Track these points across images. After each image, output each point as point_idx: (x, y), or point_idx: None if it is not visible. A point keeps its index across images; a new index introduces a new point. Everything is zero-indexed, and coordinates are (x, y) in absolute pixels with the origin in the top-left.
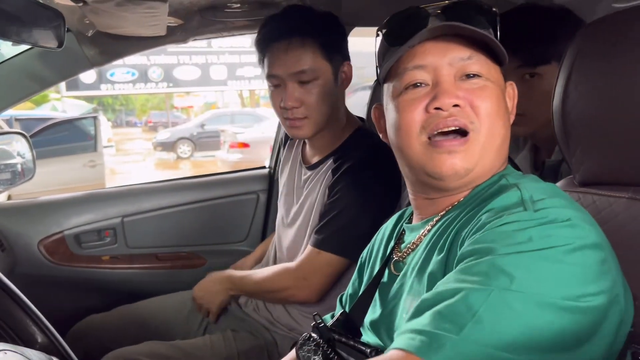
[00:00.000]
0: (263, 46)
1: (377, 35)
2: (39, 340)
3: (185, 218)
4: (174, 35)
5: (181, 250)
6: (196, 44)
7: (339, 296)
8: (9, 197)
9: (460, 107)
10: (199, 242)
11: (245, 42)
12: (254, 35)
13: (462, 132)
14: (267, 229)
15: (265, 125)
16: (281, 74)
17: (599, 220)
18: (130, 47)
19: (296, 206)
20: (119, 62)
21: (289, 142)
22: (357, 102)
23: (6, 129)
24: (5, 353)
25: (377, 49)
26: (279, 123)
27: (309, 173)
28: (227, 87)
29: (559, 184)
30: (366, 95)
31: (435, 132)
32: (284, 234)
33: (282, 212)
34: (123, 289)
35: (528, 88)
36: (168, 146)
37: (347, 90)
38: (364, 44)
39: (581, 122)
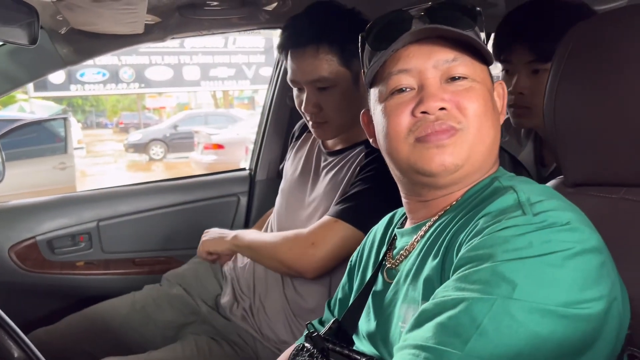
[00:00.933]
0: (283, 51)
1: (361, 39)
2: (16, 355)
3: (163, 221)
4: (152, 33)
5: (160, 254)
6: (168, 44)
7: (327, 301)
8: None
9: (447, 110)
10: (178, 246)
11: (218, 43)
12: (228, 35)
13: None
14: None
15: (240, 126)
16: (299, 80)
17: (594, 220)
18: (105, 46)
19: (313, 191)
20: (90, 62)
21: (304, 134)
22: None
23: None
24: None
25: (361, 54)
26: (259, 124)
27: (331, 159)
28: (200, 88)
29: (549, 184)
30: None
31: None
32: (291, 220)
33: (286, 198)
34: (99, 295)
35: (536, 82)
36: (140, 148)
37: None
38: None
39: (572, 123)
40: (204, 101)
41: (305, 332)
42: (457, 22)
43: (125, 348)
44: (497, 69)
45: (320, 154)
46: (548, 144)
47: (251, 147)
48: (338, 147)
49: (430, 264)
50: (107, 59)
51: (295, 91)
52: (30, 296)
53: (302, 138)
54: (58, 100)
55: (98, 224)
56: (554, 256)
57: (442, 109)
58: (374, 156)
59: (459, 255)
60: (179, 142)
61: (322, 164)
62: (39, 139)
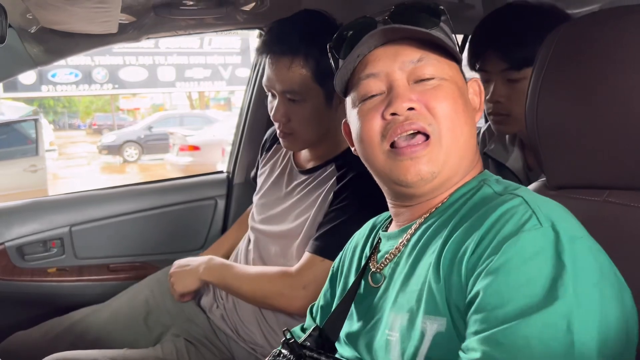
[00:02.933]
0: (261, 54)
1: (330, 51)
2: None
3: (138, 226)
4: (126, 33)
5: (135, 260)
6: (143, 44)
7: (309, 307)
8: None
9: (416, 110)
10: (154, 252)
11: (194, 43)
12: (204, 36)
13: (424, 134)
14: None
15: (216, 128)
16: (272, 87)
17: None
18: (78, 45)
19: (285, 209)
20: (62, 62)
21: (275, 145)
22: None
23: None
24: None
25: (332, 64)
26: (237, 126)
27: (303, 177)
28: (175, 89)
29: (531, 187)
30: None
31: (396, 139)
32: (263, 236)
33: (260, 213)
34: (72, 303)
35: (512, 89)
36: (114, 149)
37: None
38: None
39: (554, 125)
40: (179, 102)
41: (283, 339)
42: (421, 22)
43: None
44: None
45: (292, 172)
46: (530, 149)
47: (228, 148)
48: (310, 166)
49: (422, 270)
50: (79, 59)
51: (269, 96)
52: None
53: (272, 149)
54: (29, 101)
55: (71, 229)
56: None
57: (411, 109)
58: (345, 180)
59: (479, 273)
60: (153, 143)
61: (295, 182)
62: (9, 141)
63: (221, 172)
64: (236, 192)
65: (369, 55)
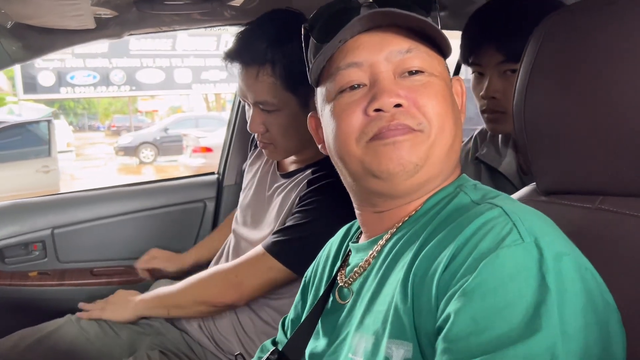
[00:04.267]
0: (230, 61)
1: (304, 32)
2: None
3: (124, 229)
4: (107, 29)
5: (119, 264)
6: (160, 47)
7: (282, 319)
8: None
9: (404, 108)
10: (139, 255)
11: (210, 45)
12: (220, 38)
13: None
14: None
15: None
16: (242, 95)
17: (567, 232)
18: (56, 42)
19: (264, 213)
20: (80, 64)
21: None
22: None
23: None
24: None
25: (305, 49)
26: (227, 128)
27: (282, 181)
28: (191, 91)
29: (521, 192)
30: None
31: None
32: (243, 240)
33: (243, 216)
34: (53, 308)
35: (509, 84)
36: (130, 151)
37: None
38: None
39: (544, 125)
40: (196, 104)
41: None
42: (409, 9)
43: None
44: (467, 72)
45: (275, 174)
46: (519, 149)
47: None
48: (290, 169)
49: (389, 288)
50: (97, 61)
51: (246, 105)
52: None
53: (255, 156)
54: (49, 102)
55: (53, 231)
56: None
57: (398, 105)
58: (316, 186)
59: (451, 295)
60: (169, 145)
61: (275, 185)
62: (23, 142)
63: (212, 173)
64: (226, 194)
65: (351, 42)
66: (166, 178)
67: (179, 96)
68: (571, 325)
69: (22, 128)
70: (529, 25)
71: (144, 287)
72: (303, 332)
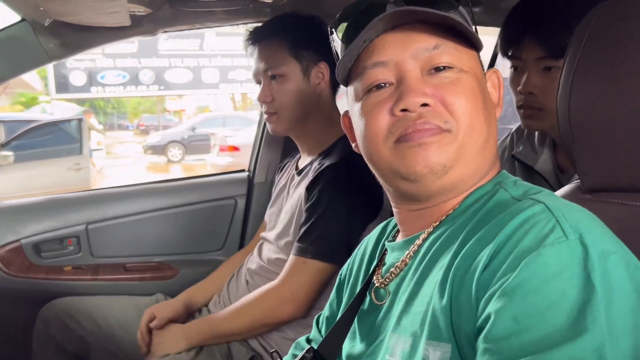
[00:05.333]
0: (247, 49)
1: (331, 32)
2: None
3: (156, 225)
4: (141, 26)
5: (151, 260)
6: (188, 47)
7: (316, 317)
8: None
9: (431, 107)
10: (170, 251)
11: (237, 45)
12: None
13: None
14: (245, 236)
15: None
16: (256, 72)
17: (614, 230)
18: (92, 39)
19: (280, 212)
20: (110, 64)
21: (292, 154)
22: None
23: None
24: None
25: (333, 49)
26: (258, 126)
27: (297, 178)
28: (219, 90)
29: (563, 190)
30: None
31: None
32: (265, 241)
33: (270, 220)
34: None
35: (549, 80)
36: (159, 149)
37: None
38: None
39: (589, 121)
40: (223, 104)
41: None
42: (437, 4)
43: (117, 345)
44: (506, 66)
45: (293, 176)
46: (563, 147)
47: None
48: (302, 166)
49: (427, 288)
50: (127, 61)
51: (258, 88)
52: (14, 302)
53: (285, 167)
54: (80, 102)
55: (87, 227)
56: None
57: (424, 104)
58: (316, 174)
59: (492, 293)
60: (196, 144)
61: (291, 184)
62: (55, 140)
63: (242, 171)
64: (257, 191)
65: (376, 41)
66: (197, 175)
67: (206, 96)
68: (619, 326)
69: (54, 126)
70: (573, 20)
71: (170, 285)
72: (338, 332)
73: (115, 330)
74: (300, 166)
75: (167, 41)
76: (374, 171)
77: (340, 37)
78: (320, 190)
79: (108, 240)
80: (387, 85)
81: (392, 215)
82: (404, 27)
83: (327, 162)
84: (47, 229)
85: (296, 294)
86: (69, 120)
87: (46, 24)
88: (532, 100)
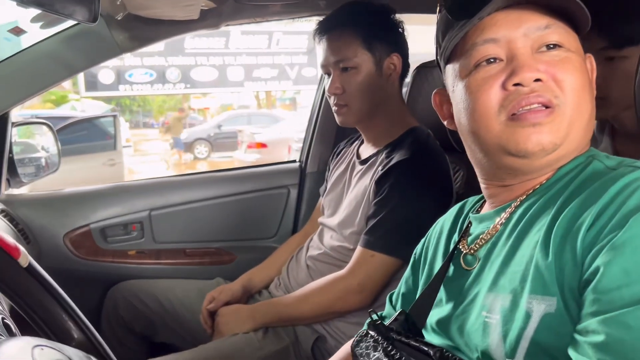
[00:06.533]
0: (315, 37)
1: (439, 9)
2: (75, 336)
3: (214, 212)
4: (206, 20)
5: (210, 245)
6: (214, 45)
7: (389, 295)
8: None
9: (543, 82)
10: (228, 238)
11: (262, 43)
12: (272, 36)
13: (546, 108)
14: (297, 224)
15: (282, 126)
16: (326, 63)
17: None
18: (160, 32)
19: (341, 199)
20: (137, 62)
21: (348, 140)
22: None
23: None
24: (42, 349)
25: (437, 26)
26: (309, 118)
27: (360, 167)
28: (243, 89)
29: None
30: None
31: (516, 112)
32: (325, 227)
33: (326, 208)
34: None
35: (611, 70)
36: (185, 147)
37: None
38: None
39: None
40: (247, 102)
41: (368, 320)
42: None
43: (182, 325)
44: None
45: (354, 164)
46: (623, 135)
47: (294, 145)
48: (366, 155)
49: (526, 249)
50: (153, 59)
51: (325, 78)
52: (82, 282)
53: (341, 153)
54: (107, 100)
55: (150, 213)
56: None
57: (537, 80)
58: (387, 168)
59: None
60: (222, 141)
61: (354, 172)
62: (90, 136)
63: (294, 161)
64: (308, 181)
65: (487, 19)
66: (253, 165)
67: (230, 94)
68: None
69: (88, 123)
70: (634, 10)
71: (228, 269)
72: (425, 300)
73: (179, 312)
74: (364, 155)
75: (194, 40)
76: (473, 147)
77: (451, 14)
78: (391, 185)
79: (169, 226)
80: (497, 60)
81: None
82: (515, 7)
83: (396, 156)
84: (114, 215)
85: (364, 285)
86: (104, 117)
87: (119, 18)
88: (596, 89)
